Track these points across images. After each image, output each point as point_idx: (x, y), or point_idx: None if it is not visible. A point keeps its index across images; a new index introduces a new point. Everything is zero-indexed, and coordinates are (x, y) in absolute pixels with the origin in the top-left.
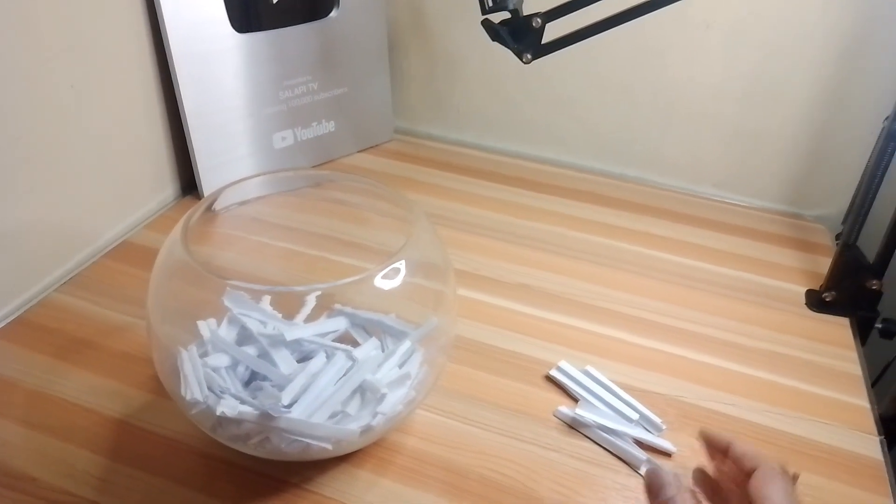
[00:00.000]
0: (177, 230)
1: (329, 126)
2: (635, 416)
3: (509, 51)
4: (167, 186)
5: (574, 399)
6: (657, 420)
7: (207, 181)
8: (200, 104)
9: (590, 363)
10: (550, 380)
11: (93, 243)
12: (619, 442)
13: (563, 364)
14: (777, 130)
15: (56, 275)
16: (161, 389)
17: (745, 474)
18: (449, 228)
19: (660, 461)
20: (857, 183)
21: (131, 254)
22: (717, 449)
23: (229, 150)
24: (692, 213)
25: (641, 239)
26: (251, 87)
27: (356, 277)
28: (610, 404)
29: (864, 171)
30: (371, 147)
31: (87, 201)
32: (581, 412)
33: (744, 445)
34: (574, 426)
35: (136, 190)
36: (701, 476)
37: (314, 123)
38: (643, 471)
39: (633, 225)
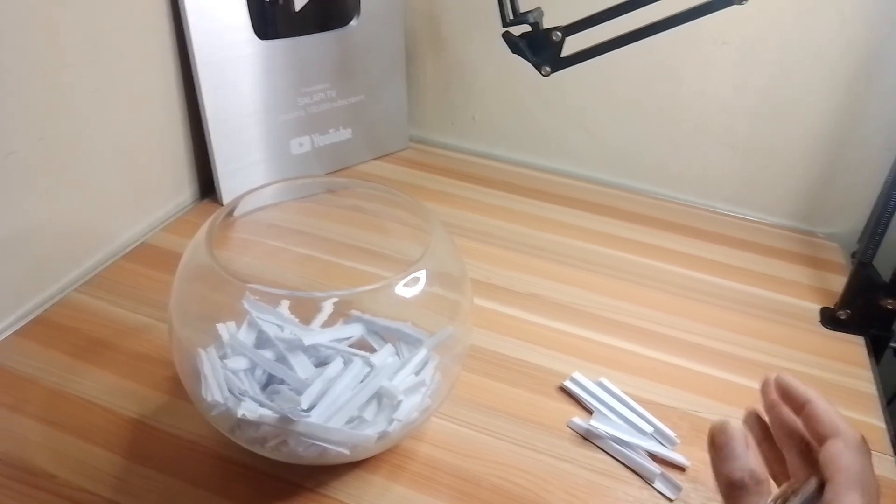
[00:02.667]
0: (201, 234)
1: (346, 133)
2: (649, 428)
3: (524, 63)
4: (185, 190)
5: (587, 410)
6: (671, 434)
7: (226, 185)
8: (221, 109)
9: (602, 375)
10: (563, 390)
11: (111, 244)
12: (632, 454)
13: (577, 375)
14: (790, 147)
15: (75, 275)
16: (177, 391)
17: (816, 437)
18: (462, 237)
19: (673, 475)
20: (869, 201)
21: (149, 256)
22: (790, 400)
23: (247, 154)
24: (705, 227)
25: (654, 252)
26: (271, 93)
27: (376, 285)
28: (624, 416)
29: (882, 190)
30: (386, 155)
31: (107, 203)
32: (595, 423)
33: (824, 406)
34: (588, 437)
35: (155, 192)
36: (754, 420)
37: (331, 130)
38: (656, 482)
39: (645, 238)
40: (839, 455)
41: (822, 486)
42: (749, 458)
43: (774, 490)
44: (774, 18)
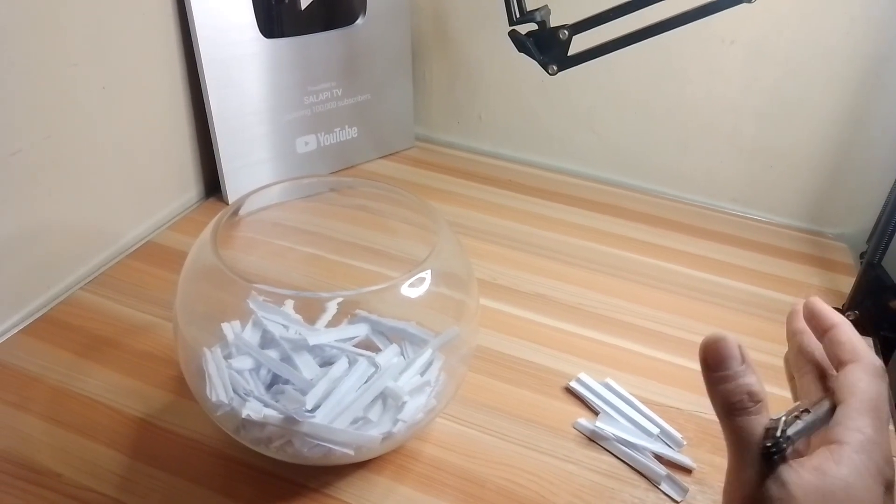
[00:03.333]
0: (206, 233)
1: (351, 132)
2: (655, 430)
3: (530, 62)
4: (191, 188)
5: (593, 411)
6: (678, 435)
7: (231, 184)
8: (227, 107)
9: (608, 375)
10: (569, 391)
11: (117, 243)
12: (638, 456)
13: (583, 376)
14: (798, 147)
15: (80, 273)
16: (182, 390)
17: (835, 361)
18: (467, 237)
19: (680, 476)
20: (879, 202)
21: (154, 254)
22: (816, 323)
23: (253, 153)
24: (712, 227)
25: (661, 252)
26: (277, 92)
27: (382, 286)
28: (630, 417)
29: (891, 190)
30: (392, 154)
31: (112, 201)
32: (601, 425)
33: (849, 332)
34: (593, 439)
35: (160, 191)
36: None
37: (337, 129)
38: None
39: (652, 238)
40: (857, 379)
41: (833, 410)
42: (746, 374)
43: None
44: (782, 18)
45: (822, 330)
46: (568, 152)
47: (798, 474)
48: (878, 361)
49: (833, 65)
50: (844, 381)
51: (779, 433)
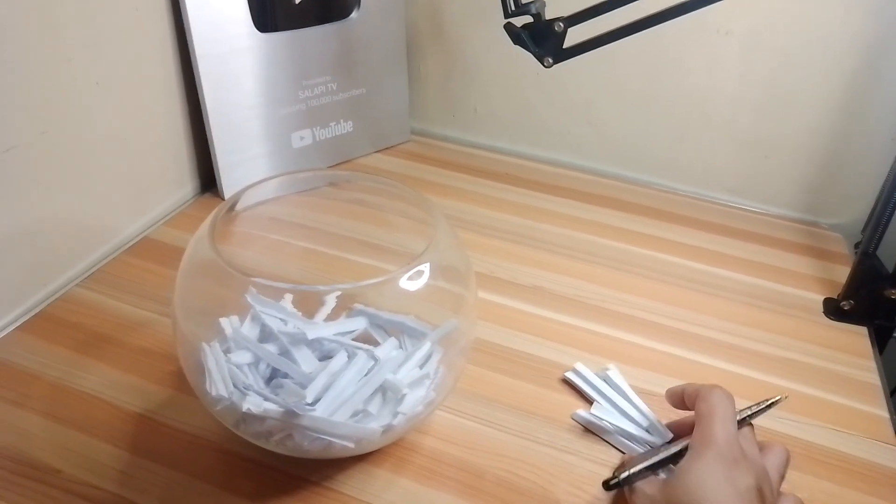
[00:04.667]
0: (203, 228)
1: (347, 126)
2: (645, 422)
3: (526, 54)
4: (186, 183)
5: (588, 402)
6: (663, 430)
7: (227, 179)
8: (221, 102)
9: (605, 367)
10: (566, 382)
11: (113, 239)
12: (634, 445)
13: (579, 366)
14: (794, 138)
15: (77, 269)
16: (181, 385)
17: (692, 405)
18: (464, 230)
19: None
20: (874, 192)
21: (151, 250)
22: (677, 398)
23: (248, 148)
24: (709, 218)
25: (658, 244)
26: (271, 86)
27: (380, 279)
28: (622, 409)
29: (885, 180)
30: (387, 148)
31: (108, 197)
32: (597, 413)
33: (693, 385)
34: (590, 429)
35: (156, 186)
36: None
37: (332, 123)
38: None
39: (649, 230)
40: (700, 404)
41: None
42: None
43: None
44: (777, 8)
45: (683, 402)
46: (565, 145)
47: (647, 480)
48: (714, 387)
49: (828, 55)
50: (696, 410)
51: (616, 472)
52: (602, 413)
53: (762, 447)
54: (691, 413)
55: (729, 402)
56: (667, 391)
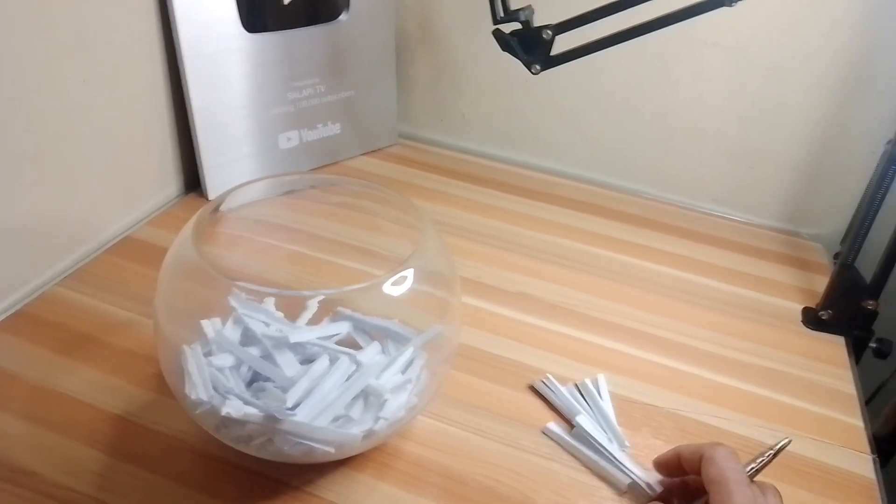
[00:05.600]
0: (187, 229)
1: (334, 128)
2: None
3: (515, 61)
4: (171, 183)
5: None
6: (623, 441)
7: (212, 179)
8: (208, 102)
9: (587, 374)
10: (534, 390)
11: (95, 238)
12: (602, 462)
13: (549, 378)
14: (778, 149)
15: (58, 268)
16: (163, 388)
17: (693, 471)
18: (451, 235)
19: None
20: (854, 204)
21: (134, 250)
22: (673, 467)
23: (234, 148)
24: (692, 227)
25: (643, 252)
26: (259, 87)
27: (364, 284)
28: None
29: (865, 192)
30: (375, 151)
31: (92, 196)
32: (554, 427)
33: (688, 447)
34: (560, 443)
35: (140, 186)
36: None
37: (320, 125)
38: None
39: (633, 238)
40: (710, 468)
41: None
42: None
43: None
44: (764, 21)
45: (677, 466)
46: (552, 152)
47: None
48: (719, 445)
49: (814, 69)
50: (704, 475)
51: None
52: (565, 429)
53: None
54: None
55: (737, 462)
56: (655, 461)
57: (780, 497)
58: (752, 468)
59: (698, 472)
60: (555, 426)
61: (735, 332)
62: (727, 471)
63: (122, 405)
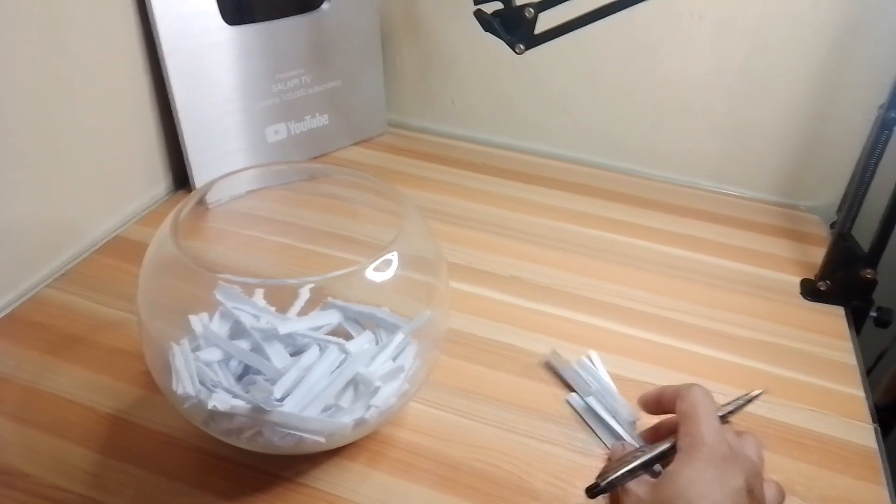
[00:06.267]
0: (166, 224)
1: (322, 119)
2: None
3: (501, 44)
4: (159, 181)
5: (568, 387)
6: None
7: (200, 176)
8: (192, 98)
9: (583, 354)
10: (548, 367)
11: (84, 238)
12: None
13: (556, 353)
14: (769, 121)
15: (47, 270)
16: (152, 385)
17: (672, 406)
18: (441, 222)
19: None
20: (850, 173)
21: (123, 249)
22: (652, 404)
23: (222, 144)
24: (686, 203)
25: (636, 231)
26: (243, 81)
27: (347, 270)
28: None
29: (858, 160)
30: (364, 140)
31: (79, 196)
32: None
33: (670, 387)
34: (582, 415)
35: (128, 185)
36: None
37: (307, 117)
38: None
39: (626, 217)
40: (682, 405)
41: (673, 448)
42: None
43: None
44: None
45: (657, 404)
46: (542, 134)
47: (637, 480)
48: (693, 385)
49: (801, 37)
50: (678, 411)
51: (598, 479)
52: (581, 401)
53: (737, 436)
54: (665, 417)
55: (710, 399)
56: (640, 398)
57: (760, 445)
58: (725, 412)
59: (674, 411)
60: (577, 398)
61: (733, 307)
62: (697, 405)
63: (112, 403)
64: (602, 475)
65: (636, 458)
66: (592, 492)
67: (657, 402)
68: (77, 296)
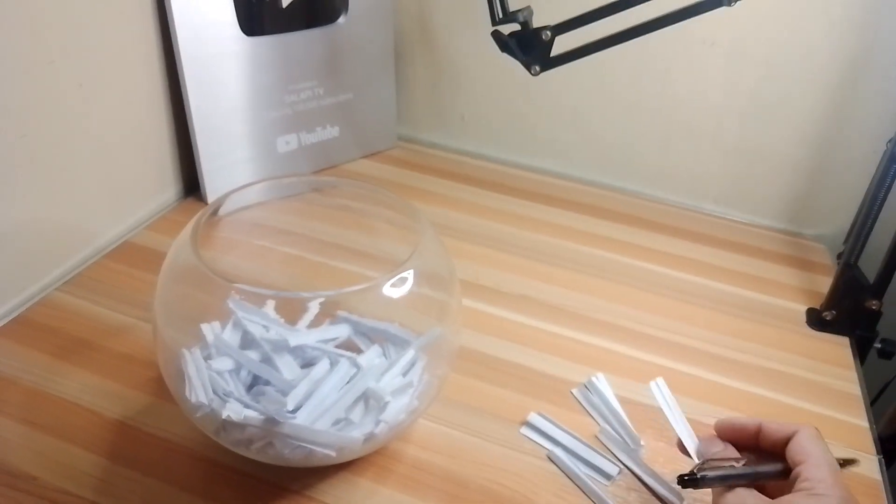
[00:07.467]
0: (185, 233)
1: (333, 131)
2: (615, 470)
3: (514, 62)
4: (169, 188)
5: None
6: (638, 440)
7: (210, 183)
8: (206, 106)
9: (590, 375)
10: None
11: (94, 243)
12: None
13: (533, 417)
14: (778, 149)
15: (57, 274)
16: (161, 392)
17: (775, 446)
18: (449, 237)
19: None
20: (856, 203)
21: (132, 254)
22: (743, 435)
23: (233, 152)
24: (693, 228)
25: (644, 253)
26: (257, 91)
27: (364, 285)
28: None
29: (867, 192)
30: (374, 153)
31: (90, 201)
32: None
33: (773, 422)
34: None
35: (138, 190)
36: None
37: (318, 128)
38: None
39: (634, 239)
40: (803, 443)
41: (780, 472)
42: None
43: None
44: (762, 20)
45: (751, 436)
46: (551, 153)
47: (751, 492)
48: (814, 427)
49: (812, 67)
50: (796, 448)
51: (695, 470)
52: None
53: None
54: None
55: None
56: (718, 423)
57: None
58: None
59: (773, 449)
60: (560, 452)
61: (738, 333)
62: (827, 454)
63: (120, 409)
64: (700, 468)
65: (738, 468)
66: (685, 481)
67: (753, 435)
68: (85, 300)
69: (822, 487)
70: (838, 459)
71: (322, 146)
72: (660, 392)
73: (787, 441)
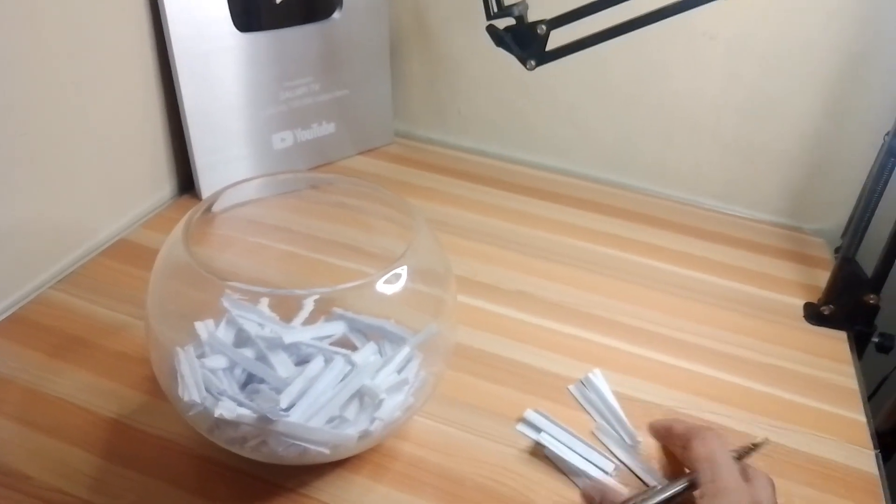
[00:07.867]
0: (178, 230)
1: (329, 128)
2: (611, 466)
3: (511, 57)
4: (164, 185)
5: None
6: (635, 436)
7: (205, 180)
8: (201, 103)
9: (588, 372)
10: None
11: (89, 241)
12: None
13: (529, 413)
14: (777, 143)
15: (52, 272)
16: (156, 390)
17: (682, 445)
18: (447, 234)
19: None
20: (856, 197)
21: (128, 252)
22: (663, 435)
23: (228, 149)
24: (692, 223)
25: (641, 249)
26: (252, 87)
27: (357, 282)
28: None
29: (864, 185)
30: (370, 150)
31: (85, 198)
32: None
33: (682, 424)
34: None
35: (134, 188)
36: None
37: (314, 125)
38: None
39: (633, 235)
40: (697, 450)
41: (692, 484)
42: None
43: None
44: (761, 13)
45: (667, 436)
46: (549, 148)
47: None
48: (709, 429)
49: (812, 61)
50: (690, 458)
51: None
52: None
53: (749, 478)
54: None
55: (725, 444)
56: (651, 424)
57: (772, 485)
58: (735, 455)
59: (682, 448)
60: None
61: (736, 328)
62: (717, 452)
63: (115, 408)
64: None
65: (653, 495)
66: None
67: (668, 434)
68: (81, 298)
69: (712, 489)
70: (743, 447)
71: (318, 143)
72: (593, 386)
73: (686, 447)
